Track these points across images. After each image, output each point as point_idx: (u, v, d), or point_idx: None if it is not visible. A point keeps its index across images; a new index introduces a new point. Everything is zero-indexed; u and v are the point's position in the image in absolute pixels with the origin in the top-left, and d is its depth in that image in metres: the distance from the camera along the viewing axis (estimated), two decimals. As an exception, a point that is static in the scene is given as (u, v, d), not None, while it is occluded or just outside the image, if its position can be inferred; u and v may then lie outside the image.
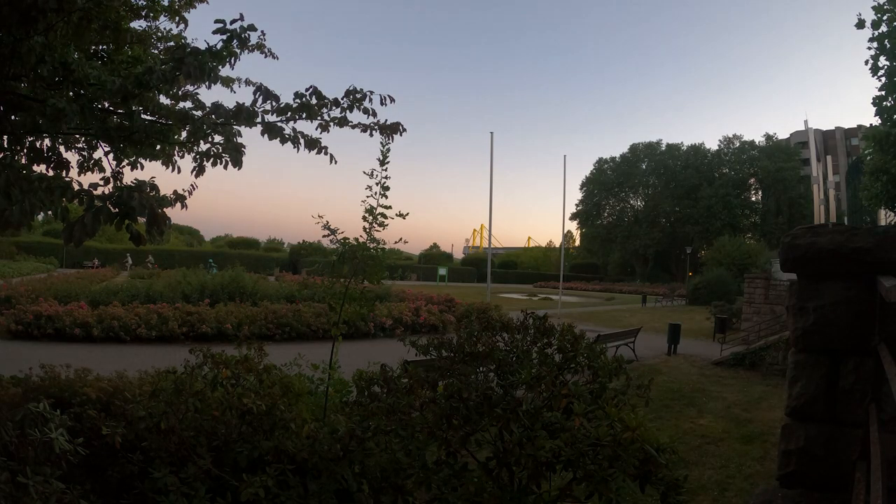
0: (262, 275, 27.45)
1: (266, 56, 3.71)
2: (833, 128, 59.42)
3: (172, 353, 6.27)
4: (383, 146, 4.20)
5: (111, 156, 3.78)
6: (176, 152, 3.82)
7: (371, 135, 3.71)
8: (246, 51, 3.43)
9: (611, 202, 70.43)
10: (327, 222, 4.45)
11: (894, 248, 2.60)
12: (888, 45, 13.94)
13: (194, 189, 3.46)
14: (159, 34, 4.22)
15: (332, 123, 3.53)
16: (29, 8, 2.75)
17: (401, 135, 3.82)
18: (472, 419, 3.05)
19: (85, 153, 3.92)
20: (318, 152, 3.58)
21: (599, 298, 43.95)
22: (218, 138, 3.53)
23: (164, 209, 2.93)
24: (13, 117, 3.29)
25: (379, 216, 4.43)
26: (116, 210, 2.66)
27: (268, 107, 3.36)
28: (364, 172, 4.37)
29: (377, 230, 4.47)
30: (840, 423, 2.74)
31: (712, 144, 65.93)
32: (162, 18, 4.17)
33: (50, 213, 2.89)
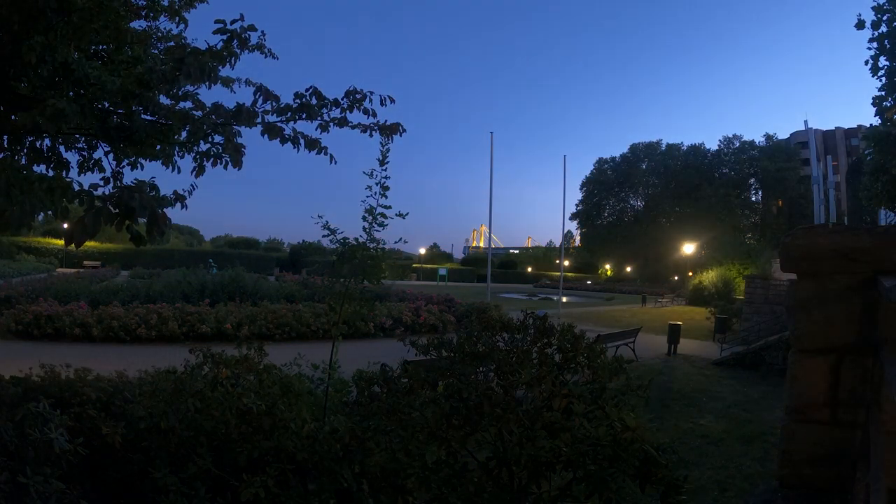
0: (262, 275, 27.42)
1: (266, 56, 3.71)
2: (833, 128, 59.46)
3: (172, 353, 6.27)
4: (383, 146, 4.20)
5: (111, 156, 3.77)
6: (176, 152, 3.82)
7: (371, 135, 3.70)
8: (246, 51, 3.43)
9: (611, 202, 70.42)
10: (327, 222, 4.45)
11: (894, 248, 2.60)
12: (888, 45, 13.93)
13: (194, 189, 3.46)
14: (159, 34, 4.22)
15: (331, 124, 3.53)
16: (30, 8, 2.75)
17: (400, 135, 3.82)
18: (472, 419, 3.05)
19: (85, 153, 3.92)
20: (318, 152, 3.58)
21: (599, 298, 43.96)
22: (218, 138, 3.52)
23: (164, 209, 2.93)
24: (13, 117, 3.29)
25: (378, 216, 4.43)
26: (117, 211, 2.66)
27: (268, 107, 3.36)
28: (364, 172, 4.37)
29: (377, 230, 4.47)
30: (840, 424, 2.74)
31: (712, 144, 65.97)
32: (162, 18, 4.16)
33: (50, 213, 2.89)
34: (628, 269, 70.38)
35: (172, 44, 4.06)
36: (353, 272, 4.48)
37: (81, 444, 2.78)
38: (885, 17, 13.82)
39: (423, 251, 79.98)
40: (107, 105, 3.40)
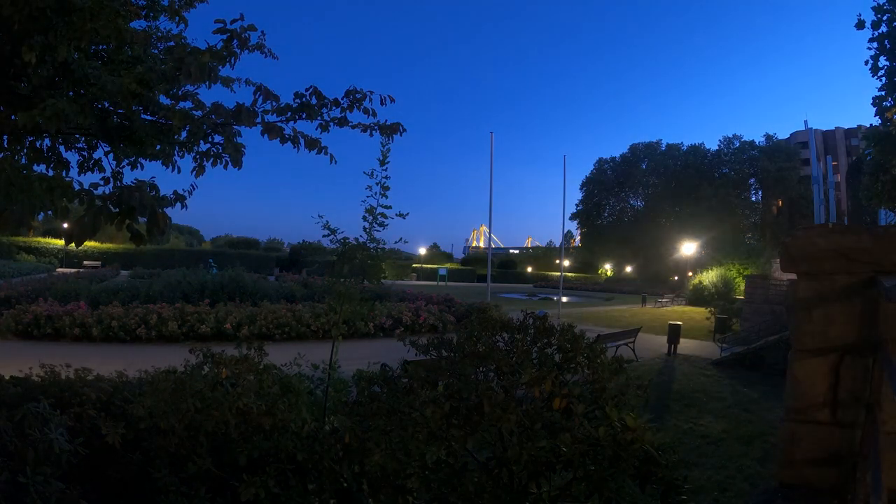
0: (262, 275, 27.43)
1: (266, 56, 3.71)
2: (833, 128, 59.52)
3: (172, 353, 6.27)
4: (383, 146, 4.20)
5: (111, 156, 3.77)
6: (176, 152, 3.81)
7: (371, 135, 3.70)
8: (246, 51, 3.42)
9: (611, 202, 70.47)
10: (327, 222, 4.45)
11: (894, 248, 2.60)
12: (888, 45, 13.93)
13: (194, 189, 3.46)
14: (159, 34, 4.22)
15: (331, 123, 3.53)
16: (30, 8, 2.75)
17: (401, 135, 3.82)
18: (472, 419, 3.05)
19: (85, 153, 3.92)
20: (318, 152, 3.57)
21: (599, 298, 43.97)
22: (218, 138, 3.52)
23: (165, 209, 2.93)
24: (13, 117, 3.29)
25: (379, 216, 4.43)
26: (117, 210, 2.66)
27: (268, 107, 3.36)
28: (364, 173, 4.37)
29: (377, 230, 4.47)
30: (840, 424, 2.74)
31: (712, 144, 66.03)
32: (162, 18, 4.16)
33: (50, 212, 2.89)
34: (628, 269, 70.35)
35: (172, 44, 4.05)
36: (353, 272, 4.48)
37: (81, 444, 2.78)
38: (885, 17, 13.82)
39: (423, 251, 79.96)
40: (107, 105, 3.40)
